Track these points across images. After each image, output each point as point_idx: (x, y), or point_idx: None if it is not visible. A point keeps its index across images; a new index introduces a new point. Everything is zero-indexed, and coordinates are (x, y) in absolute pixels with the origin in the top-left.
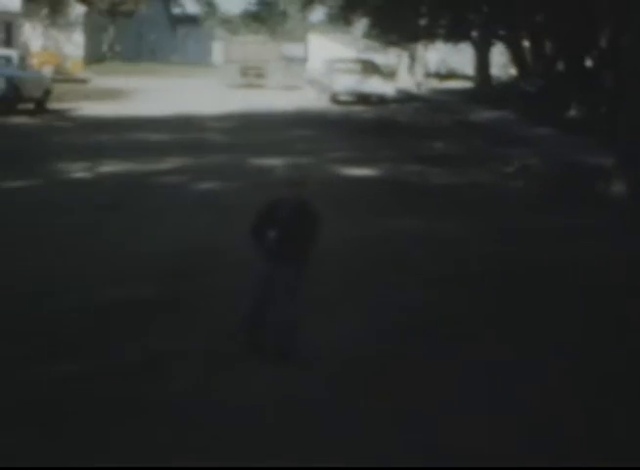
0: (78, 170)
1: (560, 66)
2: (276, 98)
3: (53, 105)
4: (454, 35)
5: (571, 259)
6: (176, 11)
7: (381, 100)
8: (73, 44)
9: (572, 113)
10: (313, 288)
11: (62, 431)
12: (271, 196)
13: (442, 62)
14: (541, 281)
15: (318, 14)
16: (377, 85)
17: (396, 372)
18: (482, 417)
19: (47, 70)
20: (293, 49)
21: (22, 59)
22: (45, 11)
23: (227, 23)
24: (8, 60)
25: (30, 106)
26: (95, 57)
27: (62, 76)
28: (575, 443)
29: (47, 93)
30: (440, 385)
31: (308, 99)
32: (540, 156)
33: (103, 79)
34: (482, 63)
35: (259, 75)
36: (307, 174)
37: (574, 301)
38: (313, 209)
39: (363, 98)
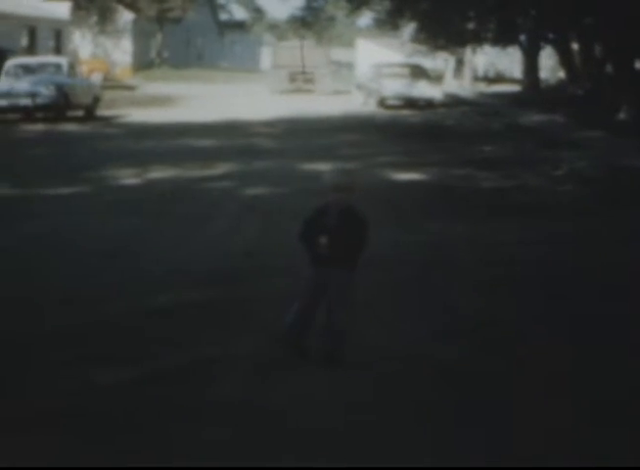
0: (126, 177)
1: (609, 68)
2: (324, 103)
3: (102, 111)
4: (502, 39)
5: (620, 263)
6: (224, 17)
7: (429, 104)
8: (122, 51)
9: (622, 116)
10: (363, 292)
11: (107, 436)
12: (319, 201)
13: (490, 65)
14: (592, 285)
15: (365, 18)
16: (425, 89)
17: (446, 377)
18: (526, 425)
19: (96, 77)
20: (340, 54)
21: (72, 66)
22: (94, 18)
23: (274, 28)
24: (58, 67)
25: (80, 113)
26: (143, 63)
27: (110, 83)
28: None
29: (96, 100)
30: (488, 391)
31: (356, 104)
32: (590, 159)
33: (151, 86)
34: (531, 66)
35: (308, 81)
36: (354, 179)
37: (624, 305)
38: (360, 213)
39: (411, 102)
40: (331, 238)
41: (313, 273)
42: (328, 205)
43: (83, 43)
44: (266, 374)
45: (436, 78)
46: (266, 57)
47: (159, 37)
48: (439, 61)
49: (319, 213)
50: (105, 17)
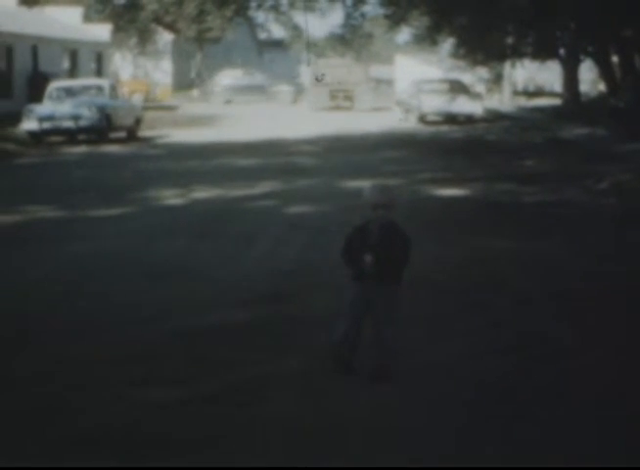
0: (170, 197)
1: None
2: (364, 120)
3: (144, 132)
4: (541, 53)
5: None
6: (262, 36)
7: (469, 119)
8: (162, 71)
9: None
10: (408, 308)
11: (158, 455)
12: (361, 218)
13: (530, 79)
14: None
15: (404, 35)
16: (465, 105)
17: (493, 394)
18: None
19: (137, 99)
20: (380, 70)
21: (114, 88)
22: (134, 40)
23: (313, 46)
24: (99, 89)
25: (122, 134)
26: (183, 84)
27: (151, 104)
28: None
29: (138, 121)
30: (534, 407)
31: (396, 120)
32: (633, 172)
33: (191, 106)
34: (571, 79)
35: (348, 98)
36: (393, 195)
37: None
38: (401, 229)
39: (451, 118)
40: (374, 255)
41: (357, 289)
42: (368, 222)
43: (124, 65)
44: (316, 391)
45: (476, 94)
46: (305, 75)
47: (198, 57)
48: (479, 76)
49: (360, 231)
50: (144, 38)
